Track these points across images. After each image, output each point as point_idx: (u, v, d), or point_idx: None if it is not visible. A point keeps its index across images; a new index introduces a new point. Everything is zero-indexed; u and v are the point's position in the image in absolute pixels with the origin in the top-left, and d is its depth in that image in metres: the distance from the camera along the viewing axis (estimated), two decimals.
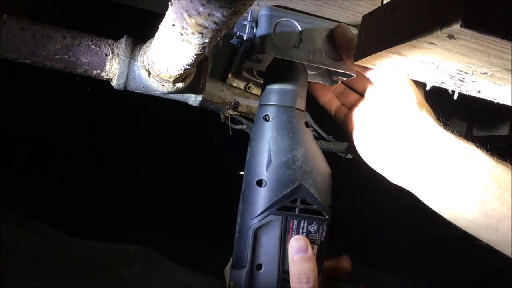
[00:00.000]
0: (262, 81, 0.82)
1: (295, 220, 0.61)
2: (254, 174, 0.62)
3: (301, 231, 0.62)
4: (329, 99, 0.80)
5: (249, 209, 0.62)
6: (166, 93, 0.69)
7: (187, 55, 0.50)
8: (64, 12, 1.01)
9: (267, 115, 0.64)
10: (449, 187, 0.59)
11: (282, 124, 0.63)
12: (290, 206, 0.61)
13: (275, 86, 0.66)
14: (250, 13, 0.67)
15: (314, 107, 0.86)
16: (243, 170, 0.66)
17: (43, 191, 1.29)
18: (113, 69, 0.67)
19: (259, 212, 0.61)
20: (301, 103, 0.66)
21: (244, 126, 0.79)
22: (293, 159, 0.62)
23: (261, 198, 0.61)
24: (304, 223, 0.62)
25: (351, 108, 0.77)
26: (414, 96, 0.64)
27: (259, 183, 0.62)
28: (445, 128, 0.63)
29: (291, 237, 0.61)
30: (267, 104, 0.65)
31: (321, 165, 0.65)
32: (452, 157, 0.59)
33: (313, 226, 0.62)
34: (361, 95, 0.77)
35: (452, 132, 0.62)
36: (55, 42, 0.64)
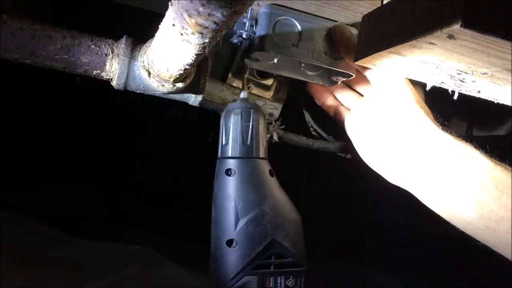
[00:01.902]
0: (262, 81, 0.82)
1: (271, 278, 0.59)
2: (223, 234, 0.59)
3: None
4: (328, 99, 0.80)
5: (222, 272, 0.59)
6: (166, 93, 0.69)
7: (187, 55, 0.50)
8: (64, 12, 1.01)
9: (229, 169, 0.61)
10: (447, 187, 0.59)
11: (246, 178, 0.60)
12: (265, 263, 0.59)
13: (233, 136, 0.62)
14: (250, 12, 0.67)
15: (314, 107, 0.86)
16: None
17: (43, 191, 1.29)
18: (113, 69, 0.67)
19: (233, 274, 0.58)
20: (262, 151, 0.63)
21: None
22: (262, 214, 0.59)
23: (233, 259, 0.58)
24: (281, 279, 0.59)
25: (350, 108, 0.77)
26: (412, 97, 0.64)
27: (229, 243, 0.59)
28: (443, 128, 0.63)
29: None
30: (227, 157, 0.62)
31: (291, 215, 0.62)
32: (449, 157, 0.59)
33: (290, 280, 0.60)
34: (361, 94, 0.77)
35: (450, 132, 0.62)
36: (55, 42, 0.64)
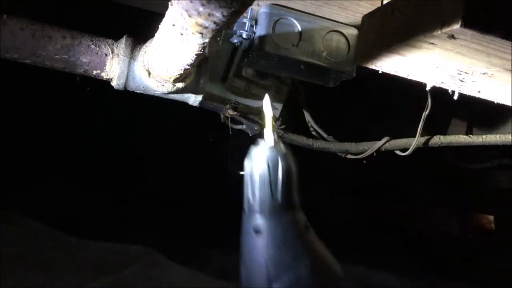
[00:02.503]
0: (262, 81, 0.82)
1: None
2: None
3: None
4: None
5: None
6: (166, 93, 0.69)
7: (187, 55, 0.50)
8: (64, 12, 1.01)
9: (257, 227, 0.53)
10: None
11: (277, 237, 0.53)
12: None
13: (260, 191, 0.53)
14: (250, 12, 0.67)
15: (314, 106, 0.87)
16: (243, 171, 0.63)
17: (43, 191, 1.29)
18: (113, 69, 0.67)
19: None
20: (294, 201, 0.55)
21: (244, 126, 0.79)
22: (296, 277, 0.52)
23: None
24: None
25: None
26: None
27: None
28: None
29: None
30: (256, 213, 0.54)
31: (329, 270, 0.56)
32: None
33: None
34: None
35: None
36: (55, 42, 0.64)
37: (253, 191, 0.53)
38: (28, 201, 1.19)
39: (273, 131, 0.55)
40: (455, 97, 0.61)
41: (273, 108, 0.85)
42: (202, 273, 0.99)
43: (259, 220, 0.53)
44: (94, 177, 1.44)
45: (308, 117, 0.88)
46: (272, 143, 0.54)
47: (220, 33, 0.42)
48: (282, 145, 0.54)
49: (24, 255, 0.85)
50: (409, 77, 0.63)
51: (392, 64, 0.58)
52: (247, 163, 0.54)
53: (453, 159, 1.39)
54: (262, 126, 0.77)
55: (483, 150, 1.28)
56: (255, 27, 0.66)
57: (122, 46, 0.66)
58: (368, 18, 0.59)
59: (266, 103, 0.55)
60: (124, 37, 0.68)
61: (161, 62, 0.58)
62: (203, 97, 0.74)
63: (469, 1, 0.41)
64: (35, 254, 0.88)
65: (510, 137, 0.88)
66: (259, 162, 0.53)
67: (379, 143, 0.84)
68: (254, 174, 0.53)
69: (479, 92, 0.60)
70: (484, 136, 0.87)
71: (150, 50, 0.62)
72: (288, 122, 0.84)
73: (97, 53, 0.66)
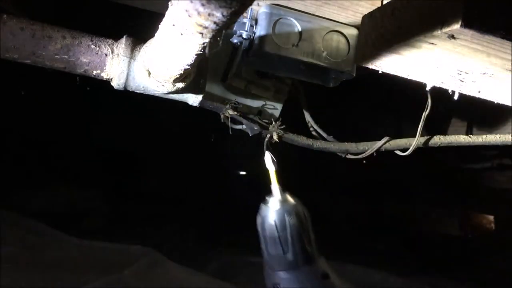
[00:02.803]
0: (261, 81, 0.82)
1: None
2: None
3: None
4: None
5: None
6: (166, 93, 0.69)
7: (187, 55, 0.50)
8: (64, 12, 1.01)
9: (276, 284, 0.56)
10: None
11: None
12: None
13: (272, 249, 0.55)
14: (250, 12, 0.67)
15: (314, 106, 0.87)
16: (243, 171, 0.64)
17: (43, 191, 1.29)
18: (113, 69, 0.67)
19: None
20: (312, 253, 0.55)
21: (244, 126, 0.79)
22: None
23: None
24: None
25: None
26: None
27: None
28: None
29: None
30: (274, 270, 0.56)
31: None
32: None
33: None
34: None
35: None
36: (55, 42, 0.64)
37: (267, 250, 0.55)
38: (28, 201, 1.19)
39: (279, 186, 0.55)
40: (455, 97, 0.61)
41: (273, 108, 0.85)
42: (202, 273, 0.99)
43: (277, 276, 0.55)
44: (94, 177, 1.44)
45: (308, 117, 0.88)
46: (278, 200, 0.55)
47: (220, 33, 0.42)
48: (290, 198, 0.55)
49: (24, 255, 0.85)
50: (409, 77, 0.63)
51: (392, 64, 0.58)
52: (258, 221, 0.56)
53: (453, 159, 1.39)
54: (262, 126, 0.78)
55: (483, 150, 1.28)
56: (255, 27, 0.66)
57: (122, 46, 0.66)
58: (368, 18, 0.59)
59: (268, 159, 0.56)
60: (124, 37, 0.68)
61: (161, 62, 0.58)
62: (203, 97, 0.74)
63: (469, 1, 0.41)
64: (35, 254, 0.88)
65: (510, 137, 0.88)
66: (267, 221, 0.54)
67: (379, 143, 0.84)
68: (264, 234, 0.55)
69: (479, 92, 0.60)
70: (484, 136, 0.87)
71: (150, 50, 0.62)
72: (288, 122, 0.84)
73: (97, 53, 0.66)
